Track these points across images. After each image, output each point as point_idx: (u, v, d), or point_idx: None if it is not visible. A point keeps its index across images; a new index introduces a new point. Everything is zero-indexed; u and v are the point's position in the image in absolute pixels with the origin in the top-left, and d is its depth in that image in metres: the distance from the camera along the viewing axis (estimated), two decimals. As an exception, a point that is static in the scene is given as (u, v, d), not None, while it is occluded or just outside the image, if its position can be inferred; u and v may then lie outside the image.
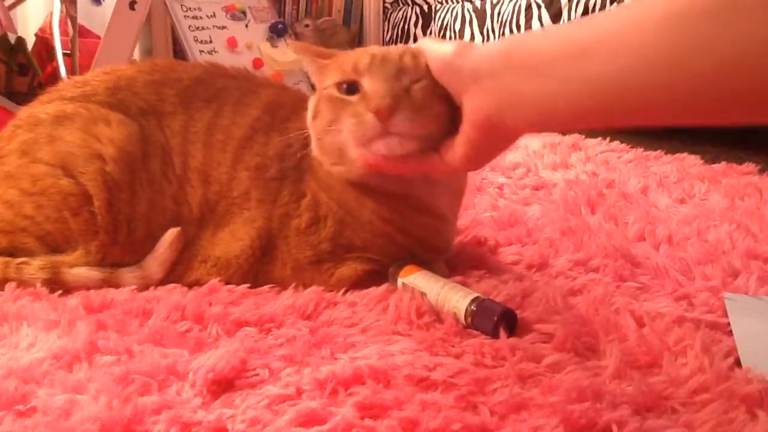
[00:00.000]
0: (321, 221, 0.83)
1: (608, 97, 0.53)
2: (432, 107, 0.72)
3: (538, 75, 0.57)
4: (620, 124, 0.58)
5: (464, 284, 0.79)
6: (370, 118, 0.71)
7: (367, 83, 0.73)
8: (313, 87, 0.86)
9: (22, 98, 1.27)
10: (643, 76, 0.49)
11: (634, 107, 0.53)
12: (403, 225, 0.82)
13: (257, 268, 0.84)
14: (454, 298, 0.73)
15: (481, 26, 2.55)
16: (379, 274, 0.82)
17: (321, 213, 0.83)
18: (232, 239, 0.84)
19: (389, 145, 0.72)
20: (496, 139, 0.67)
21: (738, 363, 0.63)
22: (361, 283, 0.81)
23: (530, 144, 1.79)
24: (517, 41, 0.63)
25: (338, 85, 0.75)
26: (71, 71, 1.88)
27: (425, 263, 0.82)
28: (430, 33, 2.87)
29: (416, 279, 0.78)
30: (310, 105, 0.81)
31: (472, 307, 0.70)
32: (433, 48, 0.71)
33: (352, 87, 0.74)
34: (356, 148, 0.74)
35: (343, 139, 0.75)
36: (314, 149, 0.81)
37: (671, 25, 0.47)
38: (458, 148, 0.69)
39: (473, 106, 0.65)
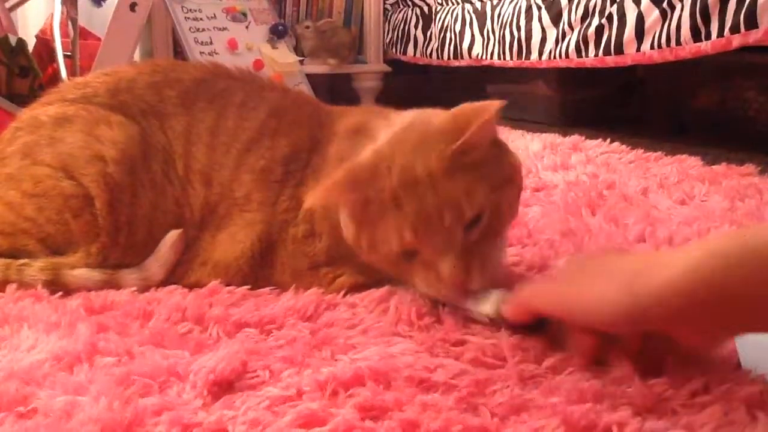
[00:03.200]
0: (317, 235, 0.83)
1: None
2: (496, 234, 0.73)
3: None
4: None
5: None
6: (444, 288, 0.71)
7: (428, 255, 0.70)
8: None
9: (22, 100, 1.27)
10: None
11: None
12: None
13: (257, 271, 0.84)
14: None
15: (481, 28, 2.55)
16: (378, 283, 0.81)
17: (317, 228, 0.83)
18: (233, 241, 0.84)
19: (474, 298, 0.71)
20: None
21: (738, 364, 0.63)
22: (359, 290, 0.81)
23: (530, 145, 1.79)
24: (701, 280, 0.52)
25: (393, 253, 0.72)
26: (72, 73, 1.88)
27: None
28: (430, 35, 2.87)
29: None
30: (345, 232, 0.76)
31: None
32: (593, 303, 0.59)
33: (409, 253, 0.71)
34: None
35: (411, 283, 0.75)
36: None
37: None
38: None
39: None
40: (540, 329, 0.67)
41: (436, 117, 0.75)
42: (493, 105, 0.70)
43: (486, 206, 0.70)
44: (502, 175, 0.73)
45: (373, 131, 0.78)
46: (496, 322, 0.70)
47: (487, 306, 0.70)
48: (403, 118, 0.79)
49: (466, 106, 0.73)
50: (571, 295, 0.60)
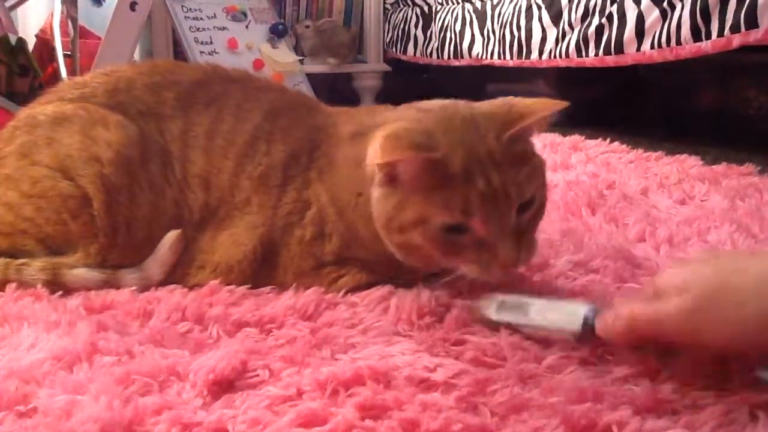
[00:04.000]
0: (326, 237, 0.82)
1: None
2: (537, 224, 0.74)
3: None
4: None
5: (468, 290, 0.79)
6: (497, 270, 0.70)
7: (486, 234, 0.69)
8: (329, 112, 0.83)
9: (22, 99, 1.27)
10: None
11: None
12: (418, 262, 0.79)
13: (258, 273, 0.84)
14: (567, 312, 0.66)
15: (481, 27, 2.55)
16: (381, 283, 0.81)
17: (326, 230, 0.82)
18: (234, 244, 0.84)
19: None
20: None
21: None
22: (362, 289, 0.81)
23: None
24: None
25: (445, 226, 0.70)
26: (72, 72, 1.88)
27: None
28: (431, 34, 2.87)
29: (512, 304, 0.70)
30: (378, 206, 0.73)
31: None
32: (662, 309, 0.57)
33: (460, 227, 0.70)
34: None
35: (452, 266, 0.74)
36: (387, 244, 0.75)
37: None
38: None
39: None
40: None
41: (467, 105, 0.76)
42: (556, 105, 0.71)
43: (537, 193, 0.72)
44: (544, 171, 0.76)
45: (382, 124, 0.77)
46: (584, 340, 0.64)
47: (575, 323, 0.64)
48: (422, 104, 0.79)
49: (519, 99, 0.74)
50: (705, 322, 0.53)
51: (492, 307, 0.71)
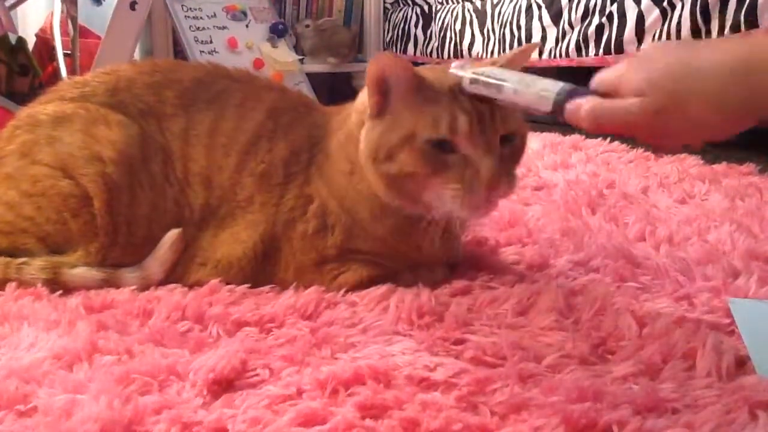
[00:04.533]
0: (329, 229, 0.83)
1: None
2: (518, 160, 0.78)
3: None
4: None
5: (468, 289, 0.79)
6: (480, 191, 0.72)
7: (470, 151, 0.72)
8: (331, 95, 0.85)
9: (22, 99, 1.26)
10: None
11: None
12: (416, 242, 0.82)
13: (258, 270, 0.84)
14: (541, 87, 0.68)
15: (481, 27, 2.55)
16: (382, 279, 0.82)
17: (329, 221, 0.83)
18: (235, 241, 0.84)
19: (488, 209, 0.75)
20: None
21: (739, 364, 0.63)
22: (363, 286, 0.81)
23: (530, 144, 1.78)
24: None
25: (430, 141, 0.73)
26: (72, 71, 1.87)
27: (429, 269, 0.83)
28: (431, 33, 2.87)
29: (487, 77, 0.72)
30: (367, 137, 0.77)
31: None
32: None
33: (445, 145, 0.72)
34: (455, 209, 0.74)
35: (436, 194, 0.74)
36: (375, 184, 0.78)
37: None
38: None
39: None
40: None
41: None
42: (532, 47, 0.80)
43: (519, 129, 0.76)
44: (524, 123, 0.79)
45: None
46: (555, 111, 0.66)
47: (546, 104, 0.67)
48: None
49: None
50: (675, 120, 0.56)
51: (465, 77, 0.73)
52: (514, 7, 2.36)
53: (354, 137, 0.79)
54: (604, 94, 0.62)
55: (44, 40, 2.12)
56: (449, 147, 0.72)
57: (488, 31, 2.51)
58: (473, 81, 0.72)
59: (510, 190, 0.75)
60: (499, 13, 2.44)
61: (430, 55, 2.90)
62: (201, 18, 2.49)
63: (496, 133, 0.73)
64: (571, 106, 0.64)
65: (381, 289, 0.79)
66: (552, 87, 0.67)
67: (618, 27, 1.89)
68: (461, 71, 0.74)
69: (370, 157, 0.76)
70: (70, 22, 1.98)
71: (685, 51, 0.59)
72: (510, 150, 0.75)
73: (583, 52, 2.04)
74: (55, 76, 1.86)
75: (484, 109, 0.73)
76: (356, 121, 0.80)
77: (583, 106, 0.62)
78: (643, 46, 1.81)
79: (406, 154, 0.74)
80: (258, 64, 2.52)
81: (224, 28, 2.54)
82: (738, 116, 0.53)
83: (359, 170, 0.79)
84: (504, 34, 2.41)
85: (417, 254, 0.83)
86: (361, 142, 0.77)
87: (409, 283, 0.81)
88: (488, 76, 0.72)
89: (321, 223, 0.83)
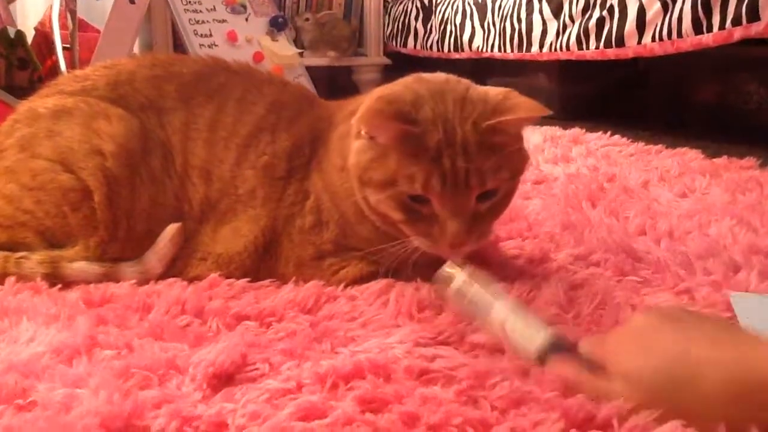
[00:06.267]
0: (323, 225, 0.83)
1: None
2: (499, 213, 0.77)
3: None
4: None
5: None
6: (444, 247, 0.73)
7: (439, 210, 0.72)
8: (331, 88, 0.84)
9: (22, 92, 1.26)
10: None
11: None
12: (403, 246, 0.79)
13: (258, 265, 0.84)
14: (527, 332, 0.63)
15: (481, 20, 2.54)
16: (382, 274, 0.81)
17: (323, 218, 0.83)
18: (236, 236, 0.84)
19: (458, 256, 0.74)
20: None
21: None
22: (363, 281, 0.81)
23: (531, 138, 1.78)
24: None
25: (408, 194, 0.73)
26: (71, 65, 1.87)
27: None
28: (431, 27, 2.86)
29: (476, 293, 0.68)
30: (357, 156, 0.76)
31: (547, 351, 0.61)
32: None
33: (421, 198, 0.73)
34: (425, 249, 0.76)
35: (411, 234, 0.76)
36: (358, 197, 0.78)
37: None
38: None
39: None
40: None
41: (467, 85, 0.78)
42: (541, 110, 0.73)
43: (502, 186, 0.75)
44: (518, 166, 0.78)
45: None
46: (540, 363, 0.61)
47: (529, 350, 0.62)
48: (426, 75, 0.80)
49: (518, 95, 0.76)
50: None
51: (454, 285, 0.69)
52: (515, 1, 2.35)
53: (351, 136, 0.78)
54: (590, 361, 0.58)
55: (43, 34, 2.12)
56: (425, 199, 0.73)
57: (489, 24, 2.50)
58: (461, 288, 0.68)
59: (479, 243, 0.76)
60: (500, 6, 2.43)
61: (431, 49, 2.90)
62: (200, 11, 2.49)
63: (471, 194, 0.72)
64: (554, 363, 0.60)
65: (381, 283, 0.79)
66: (538, 333, 0.62)
67: (619, 20, 1.88)
68: (455, 269, 0.70)
69: (356, 175, 0.76)
70: (69, 15, 1.98)
71: (682, 350, 0.53)
72: (489, 205, 0.75)
73: (584, 46, 2.04)
74: (55, 70, 1.85)
75: (462, 168, 0.71)
76: (356, 126, 0.77)
77: (566, 370, 0.59)
78: (644, 38, 1.81)
79: (385, 197, 0.74)
80: (258, 57, 2.52)
81: (224, 21, 2.53)
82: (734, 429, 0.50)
83: (348, 169, 0.79)
84: (504, 27, 2.40)
85: (406, 255, 0.82)
86: (351, 154, 0.77)
87: (408, 278, 0.80)
88: (478, 297, 0.67)
89: (316, 219, 0.83)
